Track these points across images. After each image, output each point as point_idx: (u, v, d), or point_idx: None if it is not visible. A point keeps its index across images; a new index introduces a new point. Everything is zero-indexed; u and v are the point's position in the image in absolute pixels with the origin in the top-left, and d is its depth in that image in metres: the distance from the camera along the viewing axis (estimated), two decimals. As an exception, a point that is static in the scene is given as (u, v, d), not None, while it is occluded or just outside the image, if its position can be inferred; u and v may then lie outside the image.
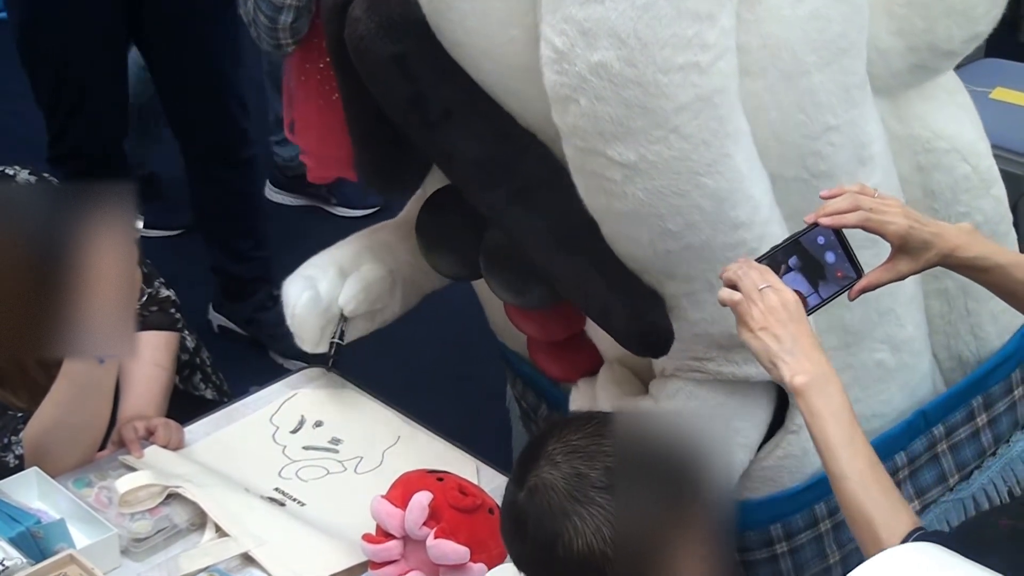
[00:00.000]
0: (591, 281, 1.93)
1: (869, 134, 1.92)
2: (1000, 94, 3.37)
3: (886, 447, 2.12)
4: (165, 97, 3.30)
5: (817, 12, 1.80)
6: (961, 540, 1.46)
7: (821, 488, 2.11)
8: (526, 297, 2.12)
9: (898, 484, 2.14)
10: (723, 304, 1.67)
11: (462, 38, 1.88)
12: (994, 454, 2.24)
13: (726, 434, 2.02)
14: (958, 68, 2.04)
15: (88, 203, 1.92)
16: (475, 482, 2.06)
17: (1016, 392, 2.23)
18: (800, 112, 1.85)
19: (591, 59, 1.69)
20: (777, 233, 1.87)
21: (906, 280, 1.78)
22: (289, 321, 2.34)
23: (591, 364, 2.25)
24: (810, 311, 1.70)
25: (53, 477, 2.04)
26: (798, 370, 1.60)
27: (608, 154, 1.75)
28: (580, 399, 2.25)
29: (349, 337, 2.35)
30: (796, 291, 1.68)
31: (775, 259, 1.71)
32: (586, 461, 1.47)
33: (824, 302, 1.73)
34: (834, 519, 2.14)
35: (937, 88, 2.02)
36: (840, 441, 1.56)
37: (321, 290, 2.31)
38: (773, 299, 1.64)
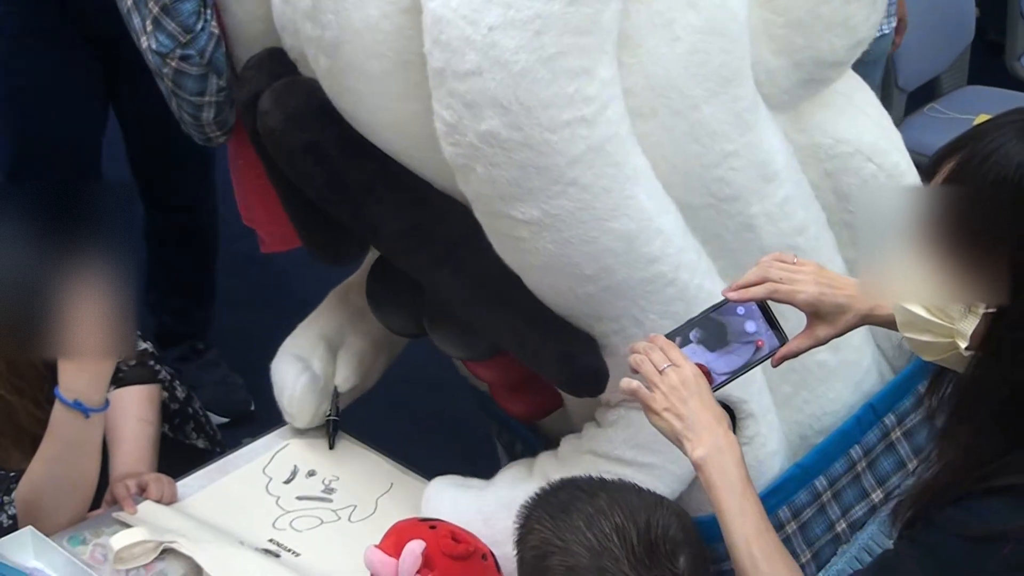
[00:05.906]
0: (521, 332, 1.98)
1: (769, 152, 1.97)
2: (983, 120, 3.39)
3: (841, 443, 2.16)
4: (133, 155, 3.30)
5: (695, 47, 1.85)
6: None
7: (782, 493, 2.16)
8: (473, 351, 2.18)
9: (858, 476, 2.19)
10: (625, 393, 1.75)
11: (365, 116, 1.94)
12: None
13: (672, 455, 2.06)
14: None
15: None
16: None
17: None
18: (696, 143, 1.89)
19: (479, 129, 1.73)
20: (693, 261, 1.92)
21: None
22: (285, 403, 2.40)
23: (552, 401, 2.29)
24: (717, 386, 1.76)
25: (47, 535, 2.04)
26: (697, 444, 1.68)
27: (512, 215, 1.80)
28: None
29: (341, 406, 2.41)
30: (700, 364, 1.74)
31: (686, 334, 1.77)
32: None
33: (735, 375, 1.78)
34: (799, 520, 2.19)
35: (834, 94, 2.06)
36: (731, 511, 1.66)
37: (316, 370, 2.40)
38: (674, 378, 1.71)
